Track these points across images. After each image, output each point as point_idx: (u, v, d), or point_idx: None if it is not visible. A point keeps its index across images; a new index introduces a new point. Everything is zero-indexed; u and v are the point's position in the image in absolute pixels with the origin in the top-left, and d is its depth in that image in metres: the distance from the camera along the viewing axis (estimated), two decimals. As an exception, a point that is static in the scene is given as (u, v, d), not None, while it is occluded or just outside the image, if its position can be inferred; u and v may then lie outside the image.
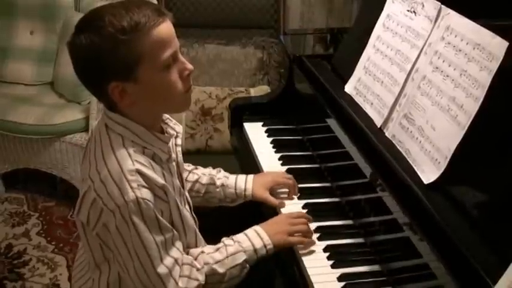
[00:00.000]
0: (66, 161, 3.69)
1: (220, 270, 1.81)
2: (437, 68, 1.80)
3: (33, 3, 4.05)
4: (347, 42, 2.49)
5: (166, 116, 1.89)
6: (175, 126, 1.92)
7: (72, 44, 1.65)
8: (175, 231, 1.74)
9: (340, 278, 1.80)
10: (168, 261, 1.69)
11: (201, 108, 3.46)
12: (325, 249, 1.91)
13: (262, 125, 2.66)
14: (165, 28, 1.64)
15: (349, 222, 2.05)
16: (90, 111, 3.54)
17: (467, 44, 1.70)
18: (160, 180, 1.69)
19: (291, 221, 1.96)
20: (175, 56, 1.68)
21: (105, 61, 1.60)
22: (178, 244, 1.75)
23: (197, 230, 1.92)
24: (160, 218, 1.67)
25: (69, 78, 3.75)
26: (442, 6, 1.87)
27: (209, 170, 2.22)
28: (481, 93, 1.59)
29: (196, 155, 3.41)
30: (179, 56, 1.70)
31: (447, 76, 1.74)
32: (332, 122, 2.22)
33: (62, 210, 3.80)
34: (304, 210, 2.09)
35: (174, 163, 1.86)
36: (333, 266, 1.85)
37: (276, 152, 2.48)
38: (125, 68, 1.61)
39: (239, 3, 3.84)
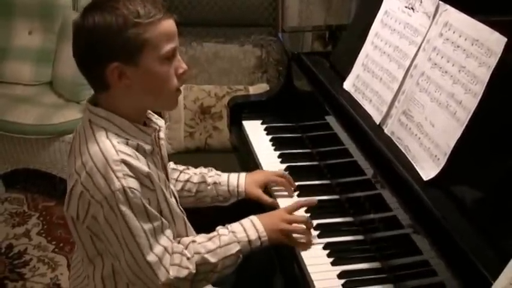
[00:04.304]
0: (65, 160, 3.65)
1: (212, 259, 1.81)
2: (435, 64, 1.80)
3: (31, 3, 4.05)
4: (345, 39, 2.48)
5: (149, 111, 1.91)
6: (158, 120, 1.94)
7: (82, 22, 1.68)
8: (164, 220, 1.76)
9: (341, 275, 1.81)
10: (158, 249, 1.71)
11: (200, 106, 3.45)
12: (325, 247, 1.91)
13: (262, 123, 2.67)
14: (172, 24, 1.73)
15: (349, 219, 2.05)
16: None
17: (465, 40, 1.70)
18: (145, 169, 1.71)
19: (288, 218, 1.96)
20: (174, 52, 1.73)
21: (114, 40, 1.64)
22: (168, 232, 1.77)
23: (186, 220, 1.93)
24: (148, 206, 1.70)
25: (68, 78, 3.75)
26: (440, 2, 1.87)
27: (200, 169, 2.22)
28: (479, 89, 1.59)
29: (196, 154, 3.41)
30: (178, 54, 1.76)
31: (446, 72, 1.74)
32: (331, 119, 2.22)
33: (62, 210, 3.72)
34: (304, 208, 2.08)
35: (158, 156, 1.88)
36: (333, 263, 1.85)
37: (275, 149, 2.48)
38: (130, 50, 1.65)
39: (237, 1, 3.83)
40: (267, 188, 2.22)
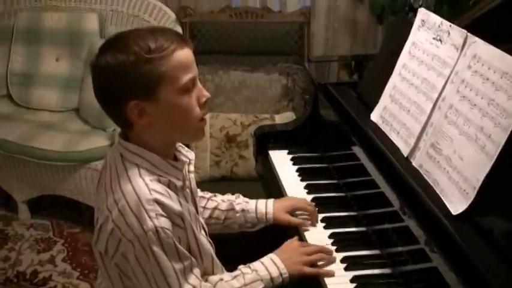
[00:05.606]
0: (91, 187, 3.70)
1: None
2: (464, 96, 1.79)
3: (58, 30, 4.10)
4: (372, 69, 2.48)
5: (178, 143, 1.91)
6: (188, 153, 1.94)
7: (96, 63, 1.69)
8: (193, 258, 1.76)
9: (368, 309, 1.79)
10: None
11: (225, 135, 3.46)
12: (352, 280, 1.89)
13: (288, 153, 2.66)
14: (187, 53, 1.70)
15: (376, 252, 2.03)
16: (115, 138, 3.56)
17: (494, 72, 1.69)
18: (178, 208, 1.71)
19: (303, 250, 1.97)
20: (194, 82, 1.72)
21: (128, 78, 1.63)
22: (197, 271, 1.77)
23: (214, 255, 1.93)
24: (179, 245, 1.69)
25: (94, 105, 3.70)
26: (468, 34, 1.86)
27: (227, 196, 2.22)
28: (509, 123, 1.58)
29: (222, 182, 3.41)
30: (198, 83, 1.75)
31: (474, 105, 1.73)
32: (358, 150, 2.21)
33: (87, 236, 3.80)
34: (331, 240, 2.07)
35: (188, 190, 1.88)
36: (360, 297, 1.84)
37: (301, 180, 2.47)
38: (146, 86, 1.64)
39: (263, 29, 3.85)
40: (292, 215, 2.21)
